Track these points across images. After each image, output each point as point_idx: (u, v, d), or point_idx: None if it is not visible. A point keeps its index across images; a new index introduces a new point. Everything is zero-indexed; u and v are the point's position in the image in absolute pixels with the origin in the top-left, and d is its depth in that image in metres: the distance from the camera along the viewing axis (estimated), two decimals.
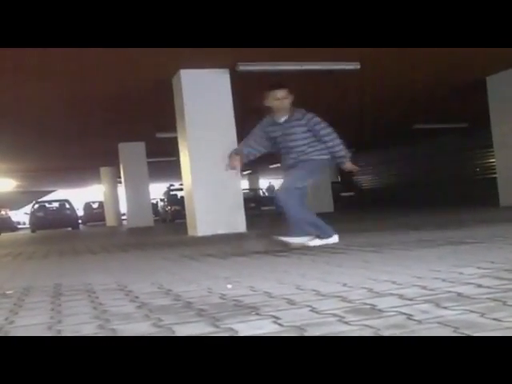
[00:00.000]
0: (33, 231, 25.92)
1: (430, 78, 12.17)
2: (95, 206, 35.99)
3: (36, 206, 28.23)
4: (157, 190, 35.88)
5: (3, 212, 34.25)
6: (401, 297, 2.39)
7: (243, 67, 9.45)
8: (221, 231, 9.28)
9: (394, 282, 2.80)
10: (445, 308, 2.09)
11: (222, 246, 6.74)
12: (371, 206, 21.79)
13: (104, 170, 25.76)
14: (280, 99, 5.49)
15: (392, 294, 2.47)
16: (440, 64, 10.73)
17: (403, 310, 2.11)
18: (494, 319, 1.86)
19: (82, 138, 16.74)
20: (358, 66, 9.89)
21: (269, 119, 5.70)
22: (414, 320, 1.93)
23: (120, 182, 21.16)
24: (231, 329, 2.00)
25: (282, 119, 5.57)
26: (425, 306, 2.15)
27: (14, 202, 41.80)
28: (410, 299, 2.32)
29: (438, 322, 1.86)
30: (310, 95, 12.82)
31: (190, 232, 9.97)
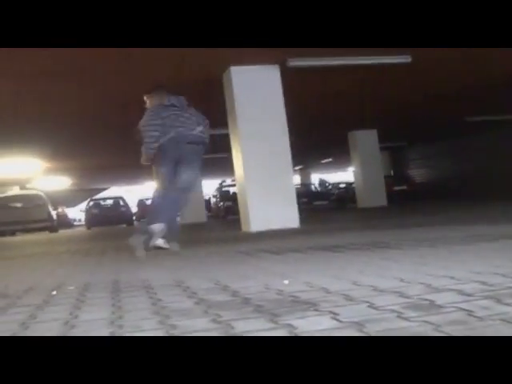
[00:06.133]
0: (88, 228, 26.40)
1: (481, 70, 11.94)
2: (149, 202, 36.57)
3: (91, 203, 28.71)
4: (209, 187, 36.13)
5: (60, 209, 35.00)
6: (460, 292, 2.37)
7: (293, 63, 9.45)
8: (274, 227, 9.30)
9: (452, 278, 2.77)
10: (507, 304, 2.05)
11: (277, 241, 6.76)
12: (425, 200, 21.49)
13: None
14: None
15: (451, 290, 2.44)
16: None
17: (463, 305, 2.09)
18: None
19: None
20: (409, 59, 9.75)
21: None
22: (475, 316, 1.90)
23: None
24: (290, 325, 2.02)
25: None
26: (485, 302, 2.12)
27: (70, 199, 42.68)
28: (470, 295, 2.29)
29: (501, 319, 1.83)
30: (364, 88, 12.75)
31: (244, 228, 10.02)
